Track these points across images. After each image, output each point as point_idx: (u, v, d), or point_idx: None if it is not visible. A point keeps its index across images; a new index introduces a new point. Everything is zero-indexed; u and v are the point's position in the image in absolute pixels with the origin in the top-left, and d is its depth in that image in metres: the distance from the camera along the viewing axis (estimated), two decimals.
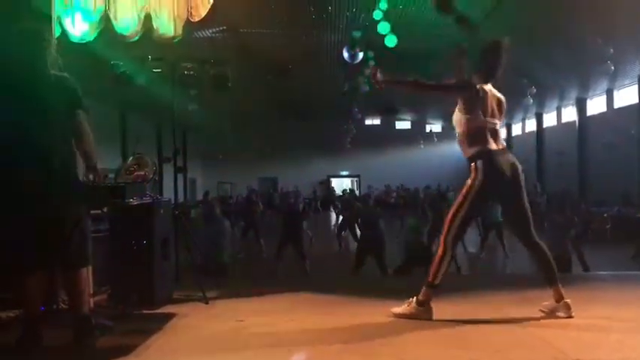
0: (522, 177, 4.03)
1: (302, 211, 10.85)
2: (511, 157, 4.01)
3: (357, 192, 28.99)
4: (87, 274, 3.54)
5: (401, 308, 4.02)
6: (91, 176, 3.56)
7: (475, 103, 3.95)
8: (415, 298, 3.98)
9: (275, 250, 10.37)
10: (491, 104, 4.03)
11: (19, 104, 3.32)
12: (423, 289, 3.96)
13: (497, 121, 4.05)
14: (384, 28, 11.54)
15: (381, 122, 36.93)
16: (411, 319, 3.92)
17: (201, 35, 13.38)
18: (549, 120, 28.37)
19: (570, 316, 3.86)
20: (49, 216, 3.34)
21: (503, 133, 4.08)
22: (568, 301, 3.92)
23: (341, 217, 16.89)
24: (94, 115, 3.82)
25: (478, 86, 3.98)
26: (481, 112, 3.96)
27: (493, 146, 3.96)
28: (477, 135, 3.95)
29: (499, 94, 4.12)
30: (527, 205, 4.04)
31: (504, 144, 4.11)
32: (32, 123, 3.33)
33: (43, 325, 3.40)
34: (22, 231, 3.31)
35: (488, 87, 4.06)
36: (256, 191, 20.85)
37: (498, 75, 4.08)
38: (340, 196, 27.70)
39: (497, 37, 4.09)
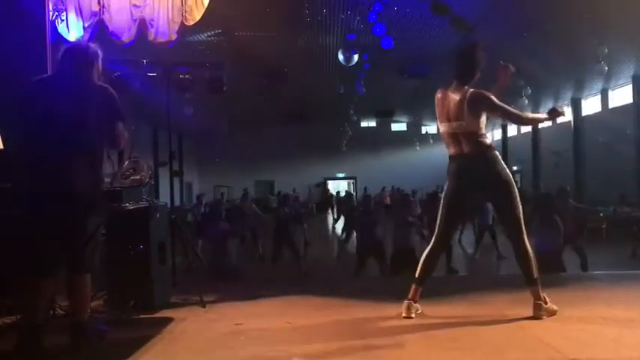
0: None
1: (297, 214, 10.87)
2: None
3: (353, 194, 29.06)
4: (88, 280, 3.54)
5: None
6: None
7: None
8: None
9: (271, 253, 10.37)
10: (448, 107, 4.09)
11: (61, 111, 3.36)
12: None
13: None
14: (379, 30, 11.56)
15: (377, 124, 36.93)
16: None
17: (196, 39, 13.37)
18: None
19: (538, 318, 3.87)
20: (72, 222, 3.38)
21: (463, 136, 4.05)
22: (539, 302, 3.93)
23: (341, 219, 16.91)
24: None
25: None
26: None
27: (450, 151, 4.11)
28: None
29: (456, 95, 4.09)
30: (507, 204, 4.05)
31: (461, 148, 4.08)
32: (68, 131, 3.36)
33: (43, 331, 3.40)
34: (44, 236, 3.35)
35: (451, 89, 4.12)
36: (249, 193, 20.79)
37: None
38: (337, 198, 27.76)
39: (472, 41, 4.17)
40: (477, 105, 3.99)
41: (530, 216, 8.30)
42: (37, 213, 3.35)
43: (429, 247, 4.24)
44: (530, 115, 4.25)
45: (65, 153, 3.34)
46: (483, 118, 4.05)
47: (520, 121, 4.46)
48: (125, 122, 3.59)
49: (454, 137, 4.07)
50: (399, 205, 9.37)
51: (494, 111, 4.16)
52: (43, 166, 3.35)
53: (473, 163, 4.02)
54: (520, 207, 4.03)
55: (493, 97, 4.02)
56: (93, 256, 3.52)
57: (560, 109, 4.21)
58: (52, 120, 3.35)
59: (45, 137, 3.35)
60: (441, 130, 4.18)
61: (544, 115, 4.28)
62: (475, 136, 4.01)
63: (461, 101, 3.99)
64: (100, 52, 3.68)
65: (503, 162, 4.08)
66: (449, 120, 4.06)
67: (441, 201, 4.22)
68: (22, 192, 3.40)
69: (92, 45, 3.76)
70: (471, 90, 4.01)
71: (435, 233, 4.24)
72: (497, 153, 4.09)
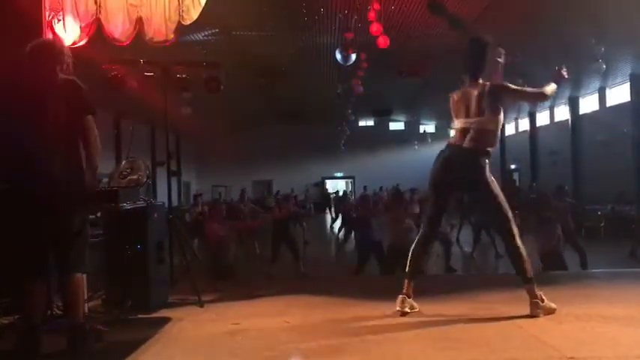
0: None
1: (295, 213, 10.87)
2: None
3: (349, 193, 29.08)
4: (83, 280, 3.53)
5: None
6: (87, 177, 3.56)
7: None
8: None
9: (270, 253, 10.36)
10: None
11: (28, 108, 3.34)
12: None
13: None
14: (376, 29, 11.54)
15: (375, 123, 36.95)
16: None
17: (193, 38, 13.35)
18: (542, 119, 28.46)
19: (535, 316, 3.88)
20: (56, 221, 3.36)
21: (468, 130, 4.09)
22: (536, 301, 3.93)
23: (339, 219, 16.93)
24: None
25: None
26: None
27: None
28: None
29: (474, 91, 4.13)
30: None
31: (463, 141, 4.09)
32: (41, 128, 3.34)
33: (40, 331, 3.39)
34: (28, 236, 3.32)
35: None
36: (247, 193, 20.77)
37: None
38: (334, 197, 27.75)
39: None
40: (497, 94, 4.03)
41: (525, 215, 8.33)
42: (18, 213, 3.32)
43: (418, 237, 4.26)
44: (548, 87, 4.21)
45: (38, 151, 3.31)
46: (501, 116, 4.07)
47: (544, 97, 4.40)
48: (94, 114, 3.52)
49: (465, 132, 4.07)
50: (392, 204, 9.33)
51: (514, 95, 4.23)
52: (18, 165, 3.32)
53: (464, 160, 4.03)
54: (506, 208, 4.03)
55: (511, 85, 4.08)
56: (83, 256, 3.48)
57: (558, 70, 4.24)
58: (21, 118, 3.32)
59: (17, 136, 3.32)
60: (457, 126, 4.16)
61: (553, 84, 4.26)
62: (485, 137, 4.02)
63: (480, 95, 4.02)
64: (66, 49, 3.67)
65: (490, 174, 4.05)
66: (467, 116, 4.08)
67: (429, 185, 4.24)
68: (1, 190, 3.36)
69: (57, 40, 3.73)
70: (489, 83, 4.04)
71: (424, 220, 4.30)
72: (488, 163, 4.07)
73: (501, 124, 4.12)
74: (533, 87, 4.36)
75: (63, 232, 3.38)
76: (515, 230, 4.02)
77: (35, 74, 3.45)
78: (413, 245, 4.26)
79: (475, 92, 4.05)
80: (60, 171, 3.34)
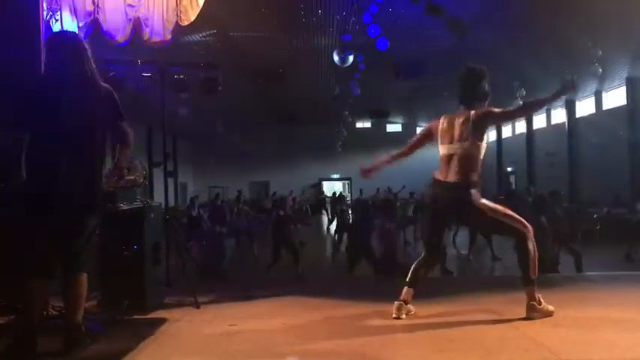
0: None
1: (291, 215, 10.86)
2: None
3: (345, 195, 29.05)
4: (85, 280, 3.52)
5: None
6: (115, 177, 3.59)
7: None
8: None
9: (271, 256, 10.35)
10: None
11: (64, 110, 3.34)
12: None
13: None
14: (374, 31, 11.58)
15: (372, 125, 36.96)
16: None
17: (191, 39, 13.35)
18: (539, 122, 28.51)
19: (532, 318, 3.89)
20: (73, 224, 3.39)
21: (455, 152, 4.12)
22: (533, 303, 3.94)
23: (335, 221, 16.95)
24: None
25: None
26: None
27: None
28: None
29: (460, 118, 4.17)
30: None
31: (448, 175, 4.12)
32: (72, 132, 3.34)
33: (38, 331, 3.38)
34: (42, 237, 3.34)
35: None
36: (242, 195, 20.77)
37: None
38: (330, 198, 27.75)
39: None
40: (482, 121, 4.07)
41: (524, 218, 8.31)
42: (37, 213, 3.33)
43: (420, 257, 4.30)
44: (539, 98, 4.20)
45: (68, 154, 3.31)
46: (484, 143, 4.11)
47: (531, 109, 4.38)
48: (126, 121, 3.61)
49: (449, 159, 4.11)
50: (382, 210, 9.28)
51: (499, 118, 4.29)
52: (46, 166, 3.32)
53: (452, 196, 4.05)
54: (512, 219, 4.03)
55: (495, 109, 4.12)
56: (89, 256, 3.52)
57: (572, 81, 4.13)
58: (54, 121, 3.32)
59: (47, 138, 3.32)
60: (441, 152, 4.21)
61: (554, 93, 4.14)
62: (469, 165, 4.04)
63: (466, 120, 4.07)
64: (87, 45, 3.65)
65: (479, 199, 4.04)
66: (451, 142, 4.11)
67: (427, 216, 4.36)
68: (25, 192, 3.37)
69: (79, 35, 3.73)
70: (474, 110, 4.09)
71: (425, 245, 4.37)
72: (478, 189, 4.07)
73: (484, 149, 4.15)
74: (533, 96, 4.36)
75: (78, 235, 3.41)
76: (530, 235, 4.02)
77: (71, 74, 3.43)
78: (416, 262, 4.29)
79: (461, 119, 4.10)
80: (84, 176, 3.37)
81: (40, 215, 3.33)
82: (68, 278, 3.43)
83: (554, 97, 4.20)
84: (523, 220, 4.06)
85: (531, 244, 4.00)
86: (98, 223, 3.59)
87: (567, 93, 4.16)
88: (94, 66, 3.55)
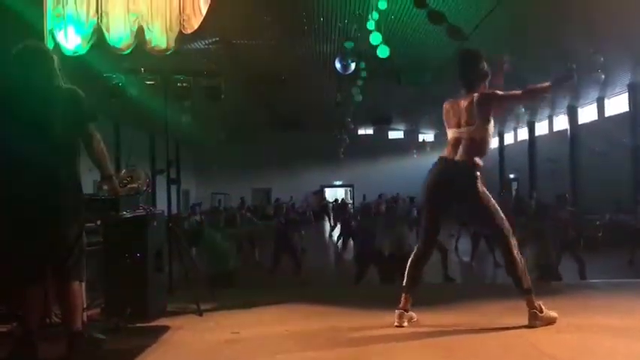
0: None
1: (294, 221, 10.88)
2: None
3: (348, 202, 29.05)
4: (81, 288, 3.53)
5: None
6: (105, 187, 3.57)
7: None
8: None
9: (271, 261, 10.36)
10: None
11: (28, 117, 3.32)
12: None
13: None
14: (375, 38, 11.59)
15: (374, 132, 36.99)
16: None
17: (194, 47, 13.40)
18: (541, 128, 28.53)
19: (533, 327, 3.87)
20: (53, 229, 3.36)
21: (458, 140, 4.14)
22: (534, 311, 3.92)
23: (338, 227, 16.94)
24: None
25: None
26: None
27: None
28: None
29: (465, 101, 4.17)
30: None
31: (454, 154, 4.12)
32: (41, 137, 3.32)
33: (38, 338, 3.38)
34: (25, 243, 3.32)
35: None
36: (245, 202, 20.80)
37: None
38: (334, 205, 27.75)
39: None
40: (485, 102, 4.06)
41: (525, 224, 8.32)
42: (16, 220, 3.32)
43: (414, 251, 4.25)
44: (540, 85, 4.19)
45: (37, 159, 3.29)
46: (491, 125, 4.10)
47: (533, 94, 4.34)
48: (95, 121, 3.56)
49: (456, 142, 4.11)
50: (388, 215, 9.29)
51: (504, 100, 4.20)
52: (18, 172, 3.30)
53: (456, 173, 4.05)
54: (501, 219, 4.03)
55: (497, 91, 4.11)
56: (80, 264, 3.48)
57: (571, 69, 4.13)
58: (20, 125, 3.30)
59: (17, 143, 3.29)
60: (449, 136, 4.20)
61: (554, 81, 4.18)
62: (476, 147, 4.05)
63: (470, 104, 4.07)
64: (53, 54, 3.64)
65: (482, 185, 4.04)
66: (458, 126, 4.12)
67: (424, 199, 4.27)
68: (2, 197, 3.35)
69: (44, 44, 3.73)
70: (477, 92, 4.09)
71: (421, 234, 4.30)
72: (480, 175, 4.05)
73: (492, 132, 4.16)
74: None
75: (60, 242, 3.38)
76: (513, 242, 4.01)
77: (32, 81, 3.42)
78: (410, 258, 4.25)
79: (465, 102, 4.10)
80: (58, 180, 3.35)
81: (20, 222, 3.31)
82: (58, 287, 3.42)
83: (555, 84, 4.21)
84: (508, 225, 4.05)
85: (515, 254, 3.98)
86: (82, 230, 3.54)
87: (567, 81, 4.18)
88: (56, 68, 3.51)
